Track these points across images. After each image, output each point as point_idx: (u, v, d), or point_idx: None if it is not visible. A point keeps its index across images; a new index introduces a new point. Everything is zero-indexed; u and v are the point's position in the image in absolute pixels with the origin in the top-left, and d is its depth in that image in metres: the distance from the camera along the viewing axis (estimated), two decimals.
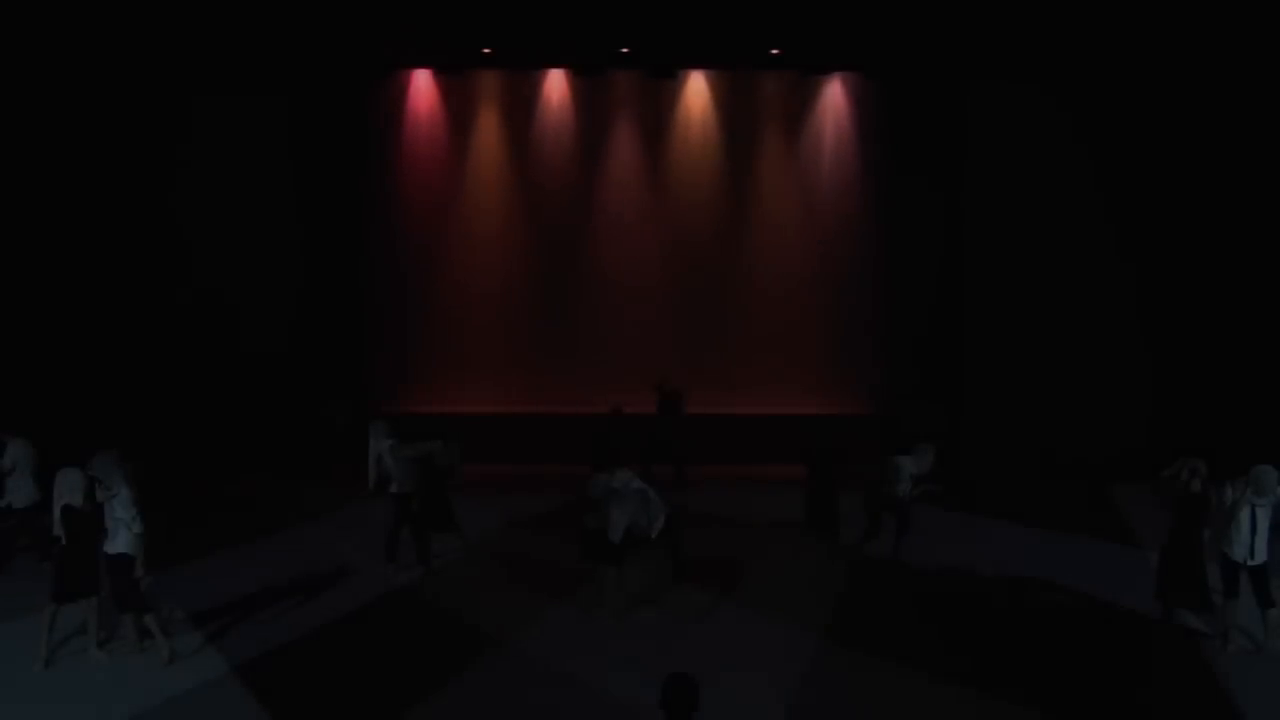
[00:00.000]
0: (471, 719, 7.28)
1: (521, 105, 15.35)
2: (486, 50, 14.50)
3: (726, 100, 15.36)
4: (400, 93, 15.19)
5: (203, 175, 14.52)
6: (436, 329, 15.48)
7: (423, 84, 15.26)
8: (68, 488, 8.01)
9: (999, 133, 14.34)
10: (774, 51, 14.49)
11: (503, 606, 9.29)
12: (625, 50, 14.43)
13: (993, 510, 12.54)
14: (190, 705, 7.41)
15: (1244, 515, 8.23)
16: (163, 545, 8.79)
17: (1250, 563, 8.26)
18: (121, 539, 7.92)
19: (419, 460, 10.21)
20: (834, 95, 15.34)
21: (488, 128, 15.41)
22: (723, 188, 15.46)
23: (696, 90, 15.35)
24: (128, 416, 13.37)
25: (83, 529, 8.01)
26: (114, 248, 14.22)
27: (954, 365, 14.72)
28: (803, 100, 15.35)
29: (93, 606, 8.11)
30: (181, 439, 14.05)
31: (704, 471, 13.94)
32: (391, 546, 10.19)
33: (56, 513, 8.02)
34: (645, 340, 15.19)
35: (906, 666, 8.04)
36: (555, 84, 15.31)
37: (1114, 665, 8.18)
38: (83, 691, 7.58)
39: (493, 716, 7.32)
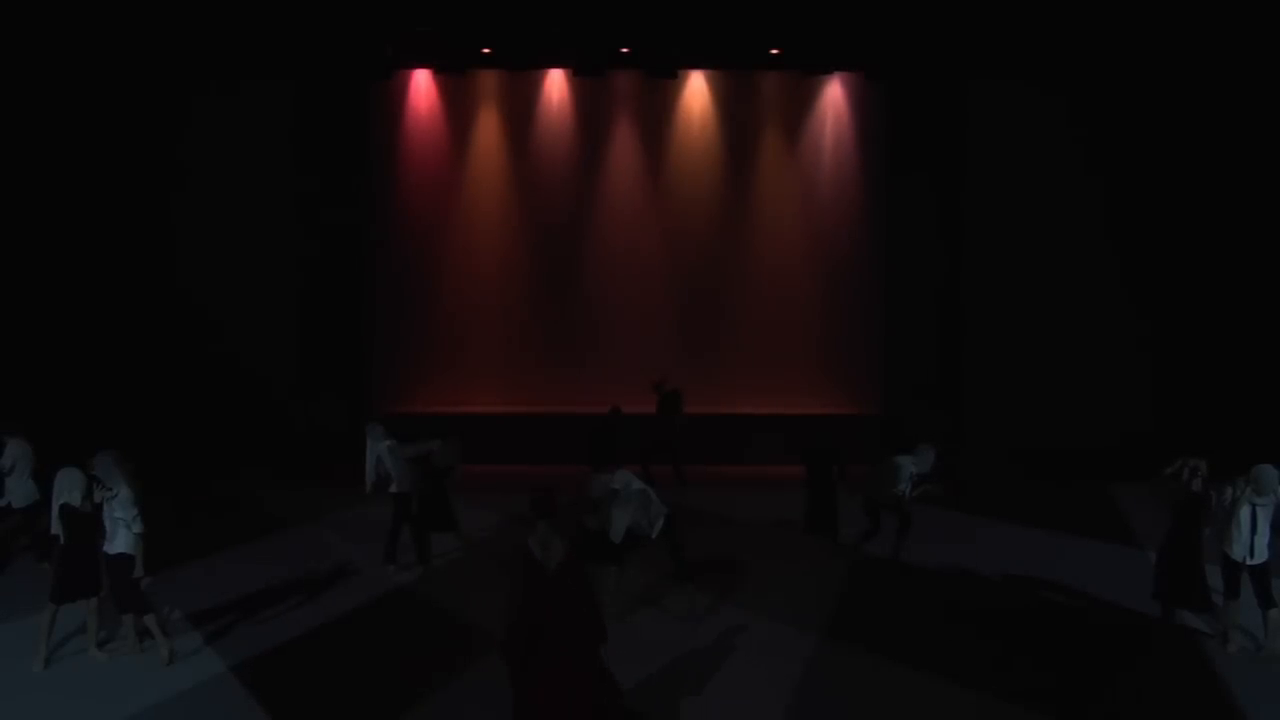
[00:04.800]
0: (471, 719, 7.27)
1: (521, 105, 15.37)
2: (486, 50, 14.51)
3: (726, 100, 15.37)
4: (401, 93, 15.20)
5: (203, 175, 14.54)
6: (436, 329, 15.49)
7: (423, 84, 15.27)
8: (67, 487, 8.00)
9: (999, 132, 14.36)
10: (774, 51, 14.50)
11: (503, 606, 9.26)
12: (625, 50, 14.45)
13: (993, 510, 12.53)
14: (190, 705, 7.40)
15: (1244, 514, 8.22)
16: (163, 545, 8.78)
17: (1250, 562, 8.25)
18: (121, 539, 7.91)
19: (418, 460, 10.22)
20: (834, 95, 15.35)
21: (488, 127, 15.42)
22: (722, 187, 15.47)
23: (696, 90, 15.36)
24: (127, 416, 13.39)
25: (82, 529, 8.01)
26: (114, 246, 14.24)
27: (954, 365, 14.72)
28: (803, 100, 15.36)
29: (92, 607, 8.10)
30: (181, 438, 14.06)
31: (704, 471, 13.94)
32: (391, 546, 10.20)
33: (55, 511, 8.01)
34: (645, 340, 15.19)
35: (906, 666, 8.04)
36: (555, 84, 15.32)
37: (1114, 665, 8.17)
38: (82, 692, 7.57)
39: (492, 716, 7.31)
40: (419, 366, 15.47)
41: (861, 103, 15.32)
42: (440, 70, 15.10)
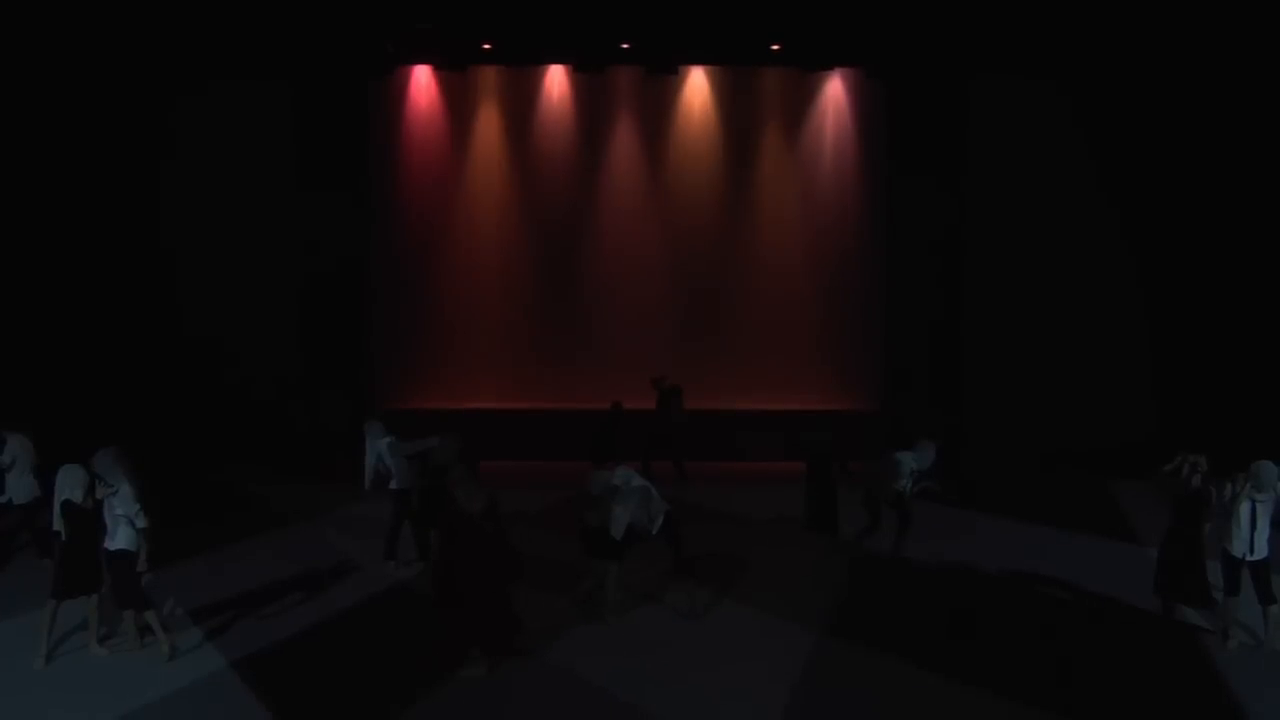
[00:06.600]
0: (471, 716, 7.28)
1: (522, 101, 15.36)
2: (487, 46, 14.50)
3: (727, 96, 15.36)
4: (401, 89, 15.19)
5: (203, 173, 14.53)
6: (436, 325, 15.49)
7: (423, 80, 15.25)
8: (69, 483, 7.99)
9: (1000, 128, 14.35)
10: (774, 47, 14.48)
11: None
12: (625, 46, 14.44)
13: (993, 507, 12.53)
14: (191, 702, 7.41)
15: (1244, 510, 8.21)
16: (164, 542, 8.79)
17: (1250, 558, 8.25)
18: (121, 536, 7.91)
19: (417, 457, 10.22)
20: (834, 91, 15.34)
21: (488, 124, 15.41)
22: (723, 184, 15.47)
23: (697, 86, 15.35)
24: (128, 412, 13.39)
25: (83, 525, 8.01)
26: (113, 243, 14.23)
27: (955, 360, 14.71)
28: (803, 96, 15.35)
29: (93, 603, 8.11)
30: (181, 435, 14.06)
31: (704, 468, 13.94)
32: (391, 543, 10.21)
33: (57, 508, 8.02)
34: (645, 336, 15.19)
35: (907, 663, 8.04)
36: (555, 80, 15.31)
37: (1114, 662, 8.18)
38: (83, 688, 7.58)
39: (492, 713, 7.33)
40: (419, 362, 15.47)
41: (862, 99, 15.30)
42: (440, 66, 15.08)
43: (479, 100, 15.36)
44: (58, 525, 8.04)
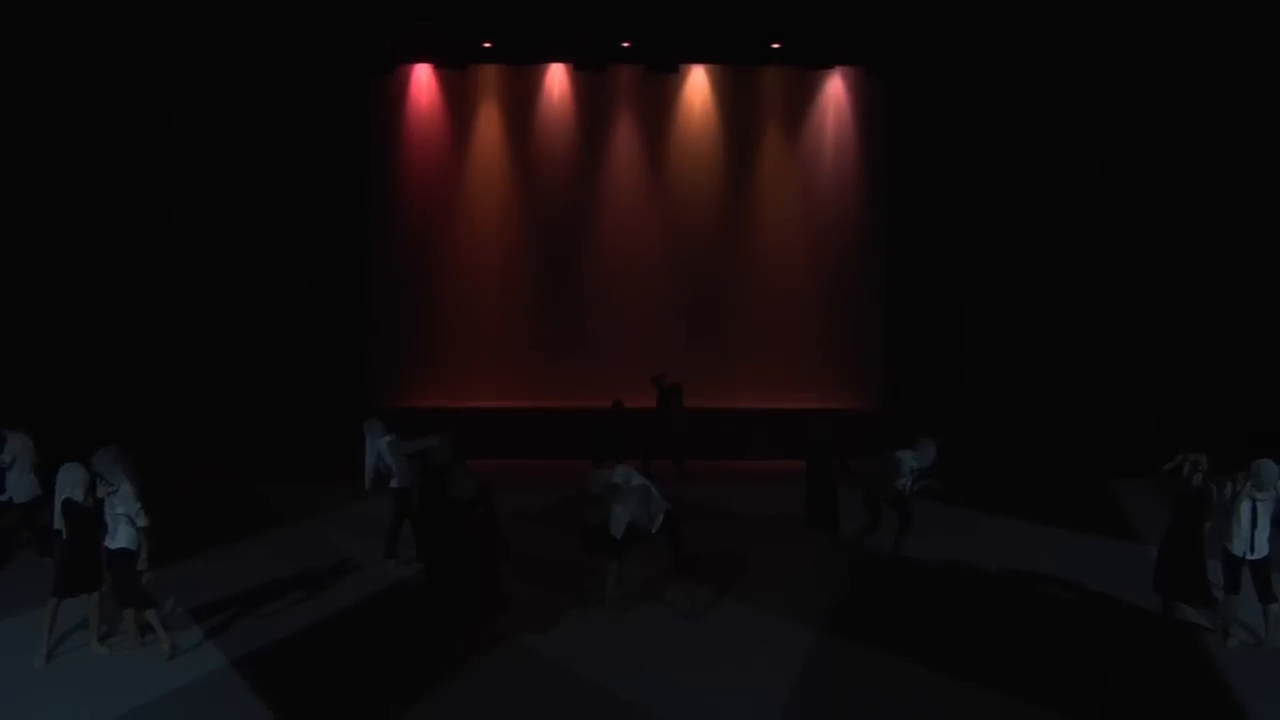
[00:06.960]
0: (471, 714, 7.29)
1: (522, 100, 15.35)
2: (487, 44, 14.51)
3: (727, 95, 15.35)
4: (401, 87, 15.18)
5: (204, 171, 14.51)
6: (436, 325, 15.49)
7: (423, 78, 15.25)
8: (70, 482, 8.00)
9: (1001, 127, 14.33)
10: (775, 46, 14.48)
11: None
12: (626, 44, 14.44)
13: (994, 505, 12.53)
14: (191, 700, 7.42)
15: (1244, 509, 8.21)
16: (164, 541, 8.79)
17: (1251, 557, 8.25)
18: (122, 534, 7.92)
19: (417, 456, 10.21)
20: (835, 90, 15.33)
21: (488, 122, 15.40)
22: (723, 182, 15.46)
23: (697, 85, 15.34)
24: (129, 411, 13.39)
25: (84, 524, 8.01)
26: (113, 241, 14.22)
27: (955, 359, 14.69)
28: (804, 95, 15.34)
29: (94, 602, 8.11)
30: (182, 434, 14.06)
31: (704, 466, 13.94)
32: (392, 542, 10.21)
33: (57, 506, 8.03)
34: (645, 335, 15.19)
35: (907, 661, 8.04)
36: (556, 78, 15.31)
37: (1114, 660, 8.18)
38: (84, 687, 7.58)
39: (492, 711, 7.33)
40: (419, 361, 15.46)
41: (863, 97, 15.28)
42: (441, 65, 15.07)
43: (479, 99, 15.36)
44: (58, 524, 8.04)
